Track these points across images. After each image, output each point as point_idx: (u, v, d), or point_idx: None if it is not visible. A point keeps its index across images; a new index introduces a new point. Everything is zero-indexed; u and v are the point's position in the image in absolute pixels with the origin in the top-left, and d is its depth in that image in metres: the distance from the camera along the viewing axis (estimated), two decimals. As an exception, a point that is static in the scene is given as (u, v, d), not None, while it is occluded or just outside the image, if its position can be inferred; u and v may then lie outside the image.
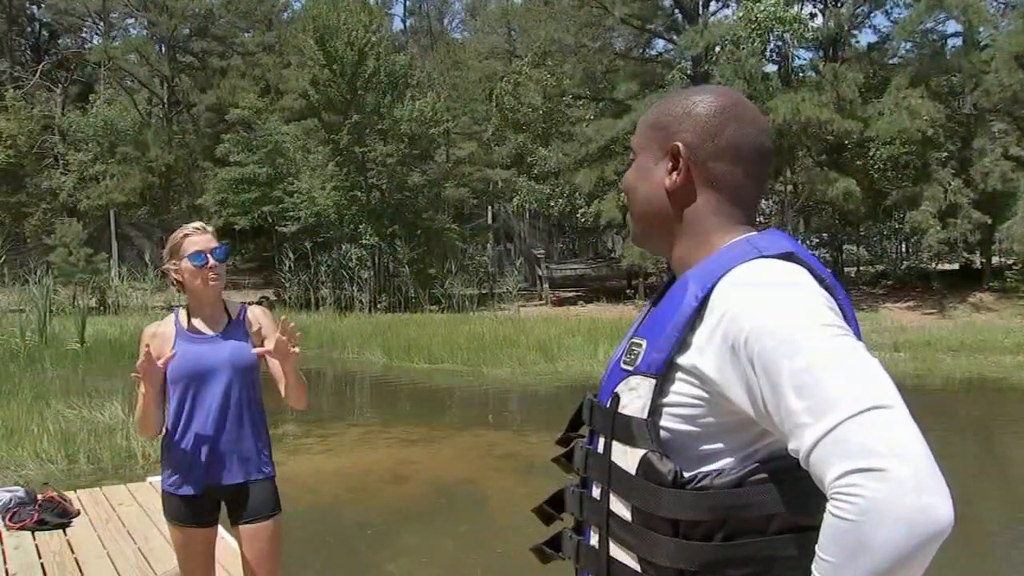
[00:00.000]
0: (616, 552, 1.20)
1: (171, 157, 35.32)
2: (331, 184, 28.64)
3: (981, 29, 23.51)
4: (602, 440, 1.23)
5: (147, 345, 2.70)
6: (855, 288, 25.90)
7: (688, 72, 27.38)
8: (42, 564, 4.43)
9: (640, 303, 24.91)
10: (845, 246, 30.61)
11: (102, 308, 25.45)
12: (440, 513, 6.82)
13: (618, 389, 1.20)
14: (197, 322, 2.86)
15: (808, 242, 28.64)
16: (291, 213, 29.32)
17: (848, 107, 23.00)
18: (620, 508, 1.19)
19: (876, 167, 24.90)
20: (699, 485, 1.10)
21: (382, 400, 13.51)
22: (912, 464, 0.90)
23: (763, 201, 34.20)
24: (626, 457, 1.17)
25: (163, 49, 39.78)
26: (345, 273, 28.66)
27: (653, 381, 1.15)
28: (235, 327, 2.89)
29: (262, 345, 2.88)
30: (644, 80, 28.41)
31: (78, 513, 5.28)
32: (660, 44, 31.73)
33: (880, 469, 0.89)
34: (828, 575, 0.95)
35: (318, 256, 29.06)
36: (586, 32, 28.32)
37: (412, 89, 30.27)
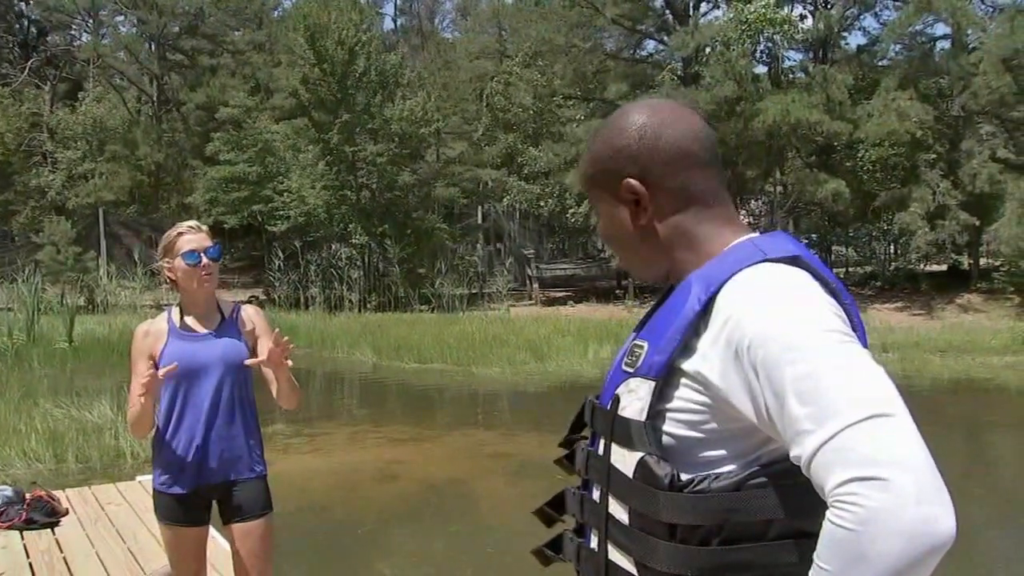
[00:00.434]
0: (614, 555, 1.19)
1: (160, 155, 35.20)
2: (321, 183, 28.55)
3: (969, 32, 23.64)
4: (602, 442, 1.22)
5: (151, 359, 2.73)
6: (844, 289, 25.93)
7: (678, 73, 27.45)
8: (31, 563, 4.41)
9: (630, 303, 24.93)
10: (834, 247, 30.79)
11: (90, 307, 25.28)
12: (430, 512, 6.82)
13: (618, 391, 1.19)
14: (190, 320, 2.87)
15: (797, 243, 28.65)
16: (281, 212, 29.22)
17: (837, 109, 23.08)
18: (618, 511, 1.18)
19: (865, 168, 25.06)
20: (696, 488, 1.09)
21: (372, 400, 13.48)
22: (914, 474, 0.88)
23: (752, 202, 34.12)
24: (624, 460, 1.16)
25: (152, 47, 39.66)
26: (335, 272, 28.58)
27: (653, 384, 1.14)
28: (228, 325, 2.89)
29: (256, 344, 2.88)
30: (634, 81, 28.46)
31: (67, 512, 5.25)
32: (651, 45, 31.76)
33: (881, 478, 0.88)
34: None
35: (308, 255, 29.01)
36: (577, 32, 28.28)
37: (403, 88, 30.16)
